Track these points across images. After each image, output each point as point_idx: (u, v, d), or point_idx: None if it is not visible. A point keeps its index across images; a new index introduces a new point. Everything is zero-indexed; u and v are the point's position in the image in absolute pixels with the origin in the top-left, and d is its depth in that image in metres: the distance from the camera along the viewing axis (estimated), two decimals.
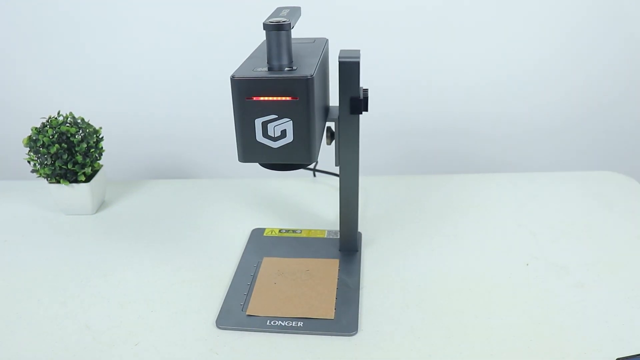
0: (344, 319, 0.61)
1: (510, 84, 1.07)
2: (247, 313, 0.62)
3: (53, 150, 0.80)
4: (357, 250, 0.75)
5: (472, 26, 1.03)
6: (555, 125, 1.11)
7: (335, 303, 0.64)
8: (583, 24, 1.02)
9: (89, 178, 0.85)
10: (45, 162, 0.82)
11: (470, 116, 1.11)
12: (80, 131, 0.84)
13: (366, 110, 0.63)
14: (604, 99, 1.09)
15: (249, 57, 0.59)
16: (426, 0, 1.01)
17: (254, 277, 0.69)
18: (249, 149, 0.54)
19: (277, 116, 0.52)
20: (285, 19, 0.53)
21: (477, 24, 1.02)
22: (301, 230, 0.81)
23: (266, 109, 0.52)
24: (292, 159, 0.55)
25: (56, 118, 0.84)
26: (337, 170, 0.73)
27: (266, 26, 0.52)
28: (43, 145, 0.81)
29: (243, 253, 0.75)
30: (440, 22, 1.02)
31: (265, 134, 0.53)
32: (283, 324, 0.60)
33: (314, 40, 0.67)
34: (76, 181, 0.84)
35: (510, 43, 1.04)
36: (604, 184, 0.92)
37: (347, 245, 0.75)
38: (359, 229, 0.80)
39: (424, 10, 1.01)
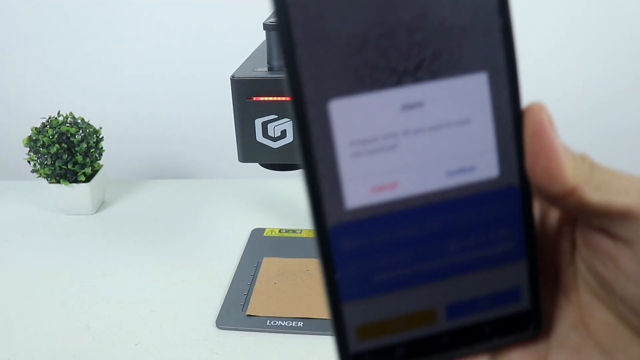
0: None
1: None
2: (247, 313, 0.62)
3: (53, 150, 0.80)
4: None
5: None
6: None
7: None
8: (582, 23, 1.02)
9: (89, 178, 0.85)
10: (45, 162, 0.82)
11: None
12: (80, 131, 0.84)
13: None
14: (603, 100, 1.09)
15: (249, 57, 0.59)
16: None
17: (254, 277, 0.69)
18: (249, 149, 0.55)
19: (277, 116, 0.52)
20: None
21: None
22: (301, 230, 0.81)
23: (266, 109, 0.52)
24: (292, 159, 0.55)
25: (56, 118, 0.84)
26: None
27: (266, 26, 0.52)
28: (43, 145, 0.81)
29: (243, 253, 0.75)
30: None
31: (265, 134, 0.53)
32: (283, 324, 0.60)
33: None
34: (76, 181, 0.84)
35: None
36: None
37: None
38: None
39: None
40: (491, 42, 0.20)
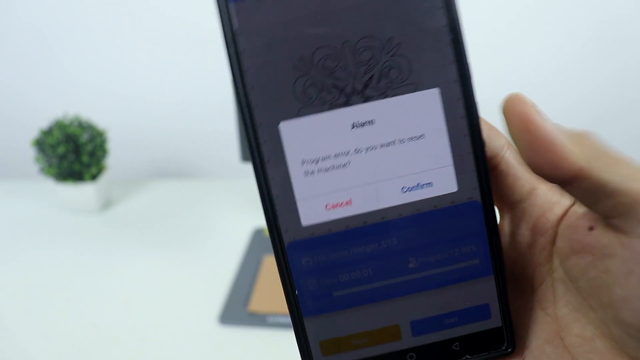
0: None
1: (508, 86, 1.08)
2: (249, 310, 0.64)
3: (60, 151, 0.82)
4: None
5: (471, 28, 1.04)
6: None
7: None
8: (581, 31, 1.03)
9: (94, 178, 0.87)
10: (53, 163, 0.84)
11: None
12: (86, 132, 0.86)
13: None
14: (601, 104, 1.10)
15: None
16: None
17: (256, 275, 0.71)
18: None
19: None
20: None
21: (474, 26, 1.03)
22: None
23: None
24: None
25: (63, 120, 0.86)
26: None
27: None
28: (50, 146, 0.83)
29: (245, 252, 0.77)
30: None
31: None
32: (284, 320, 0.62)
33: None
34: (82, 181, 0.86)
35: (508, 47, 1.05)
36: None
37: None
38: None
39: None
40: (442, 57, 0.20)
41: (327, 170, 0.20)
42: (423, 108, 0.20)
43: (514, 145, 0.19)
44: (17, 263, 0.76)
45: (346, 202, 0.20)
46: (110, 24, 1.07)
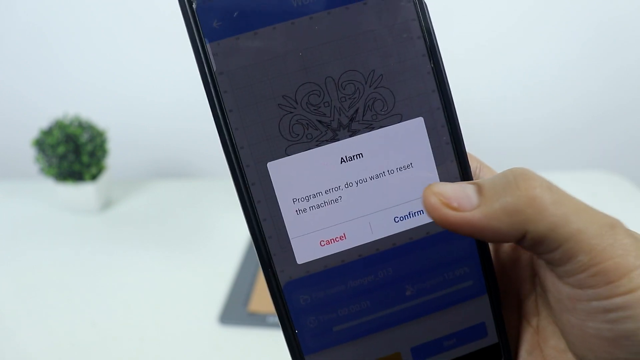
0: None
1: (508, 86, 1.08)
2: (249, 310, 0.64)
3: (60, 151, 0.82)
4: None
5: (472, 28, 1.04)
6: (552, 127, 1.13)
7: None
8: (581, 32, 1.03)
9: (94, 178, 0.87)
10: (53, 163, 0.84)
11: (470, 117, 1.12)
12: (86, 132, 0.86)
13: None
14: (601, 103, 1.10)
15: None
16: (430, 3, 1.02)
17: (256, 275, 0.71)
18: None
19: None
20: None
21: (476, 29, 1.04)
22: None
23: None
24: None
25: (63, 120, 0.86)
26: None
27: None
28: (50, 146, 0.83)
29: (245, 252, 0.77)
30: (442, 24, 1.03)
31: None
32: None
33: None
34: (82, 181, 0.86)
35: (509, 48, 1.05)
36: (596, 184, 0.93)
37: None
38: None
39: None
40: (424, 85, 0.20)
41: (319, 206, 0.20)
42: (409, 137, 0.20)
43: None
44: (17, 263, 0.76)
45: (340, 237, 0.20)
46: (110, 24, 1.07)
